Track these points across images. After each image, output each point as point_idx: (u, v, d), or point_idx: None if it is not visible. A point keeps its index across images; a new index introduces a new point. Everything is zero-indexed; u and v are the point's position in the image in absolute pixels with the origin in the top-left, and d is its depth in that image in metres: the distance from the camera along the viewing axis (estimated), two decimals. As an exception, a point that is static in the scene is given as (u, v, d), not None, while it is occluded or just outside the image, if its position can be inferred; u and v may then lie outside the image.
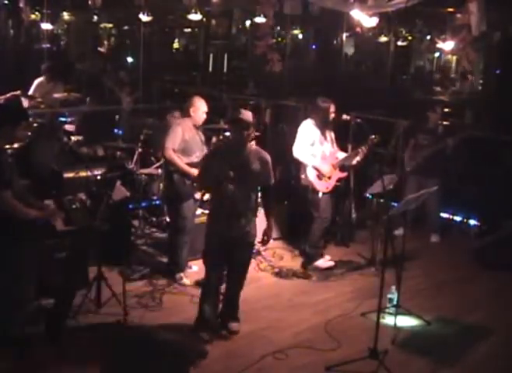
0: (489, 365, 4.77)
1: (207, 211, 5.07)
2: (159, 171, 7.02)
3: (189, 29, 21.96)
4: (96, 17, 18.50)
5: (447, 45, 8.27)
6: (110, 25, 21.41)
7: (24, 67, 11.96)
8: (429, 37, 18.39)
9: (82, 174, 5.71)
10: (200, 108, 5.82)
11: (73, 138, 7.91)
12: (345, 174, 6.56)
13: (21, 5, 12.15)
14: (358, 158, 6.37)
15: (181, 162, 5.68)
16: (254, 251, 6.66)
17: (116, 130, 9.00)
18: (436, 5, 11.12)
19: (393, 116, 9.01)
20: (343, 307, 5.55)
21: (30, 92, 8.64)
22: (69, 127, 8.40)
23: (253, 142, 5.08)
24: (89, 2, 11.64)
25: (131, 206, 6.74)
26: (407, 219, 5.69)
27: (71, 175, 5.80)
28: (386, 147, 7.51)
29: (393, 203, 5.35)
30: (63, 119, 8.64)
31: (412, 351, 4.88)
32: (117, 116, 8.83)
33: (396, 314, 5.18)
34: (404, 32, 18.86)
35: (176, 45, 22.74)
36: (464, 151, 7.86)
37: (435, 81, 19.21)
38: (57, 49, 18.28)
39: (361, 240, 7.30)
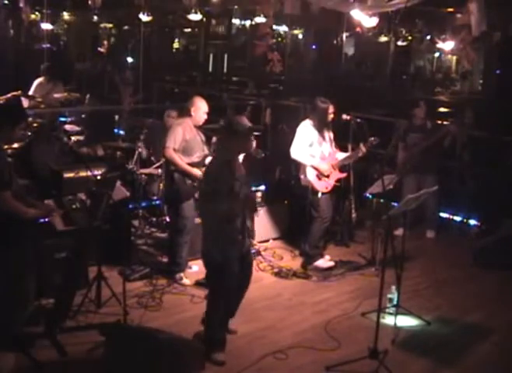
0: (489, 365, 4.77)
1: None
2: (159, 171, 7.02)
3: (189, 29, 21.97)
4: (96, 17, 18.50)
5: (447, 45, 8.27)
6: (110, 25, 21.43)
7: (24, 67, 11.96)
8: (429, 37, 18.38)
9: (82, 174, 5.70)
10: (201, 108, 5.82)
11: (73, 138, 7.90)
12: (344, 174, 6.56)
13: (21, 5, 12.13)
14: (360, 155, 6.38)
15: (182, 161, 5.68)
16: (254, 251, 6.69)
17: (116, 130, 9.01)
18: (436, 5, 11.14)
19: (393, 116, 9.02)
20: (343, 307, 5.55)
21: (30, 92, 8.63)
22: (69, 127, 8.39)
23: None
24: (89, 2, 11.63)
25: (131, 206, 6.74)
26: (407, 219, 5.68)
27: (71, 175, 5.79)
28: (386, 147, 7.50)
29: (393, 203, 5.35)
30: (63, 119, 8.63)
31: (412, 351, 4.88)
32: (116, 116, 8.83)
33: (396, 314, 5.19)
34: (404, 32, 18.86)
35: (176, 45, 22.75)
36: (466, 150, 7.88)
37: (435, 81, 19.23)
38: (57, 49, 18.29)
39: (361, 240, 7.31)
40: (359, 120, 6.51)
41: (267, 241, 7.09)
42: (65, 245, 5.11)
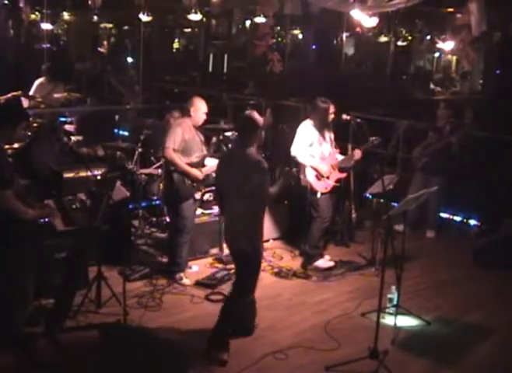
0: (488, 365, 4.77)
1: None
2: (159, 171, 7.02)
3: (189, 29, 21.98)
4: (96, 17, 18.50)
5: (447, 45, 8.29)
6: (110, 25, 21.43)
7: (24, 67, 11.96)
8: (429, 37, 18.41)
9: (82, 174, 5.70)
10: (200, 108, 5.82)
11: (73, 138, 7.90)
12: (344, 175, 6.56)
13: (21, 5, 12.14)
14: (356, 158, 6.39)
15: (181, 161, 5.69)
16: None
17: (116, 130, 9.00)
18: (436, 5, 11.14)
19: (393, 116, 9.02)
20: (343, 307, 5.55)
21: (31, 93, 8.63)
22: (69, 127, 8.39)
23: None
24: (89, 2, 11.65)
25: (131, 206, 6.74)
26: (407, 219, 5.68)
27: (71, 175, 5.79)
28: (386, 147, 7.51)
29: (393, 203, 5.35)
30: (63, 119, 8.63)
31: (412, 351, 4.88)
32: (116, 116, 8.82)
33: (396, 314, 5.19)
34: (404, 32, 18.88)
35: (176, 45, 22.75)
36: (466, 150, 7.89)
37: (435, 81, 19.24)
38: (57, 49, 18.27)
39: (361, 240, 7.30)
40: (359, 120, 6.52)
41: (267, 241, 7.07)
42: (65, 245, 5.11)
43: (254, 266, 4.65)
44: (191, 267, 6.14)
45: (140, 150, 7.26)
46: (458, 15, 7.92)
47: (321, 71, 14.99)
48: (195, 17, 11.86)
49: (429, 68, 22.24)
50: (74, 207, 5.00)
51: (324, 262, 6.48)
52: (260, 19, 9.88)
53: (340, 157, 6.50)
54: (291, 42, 17.02)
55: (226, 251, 6.62)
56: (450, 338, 5.15)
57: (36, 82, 8.92)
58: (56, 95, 8.62)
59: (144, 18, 12.06)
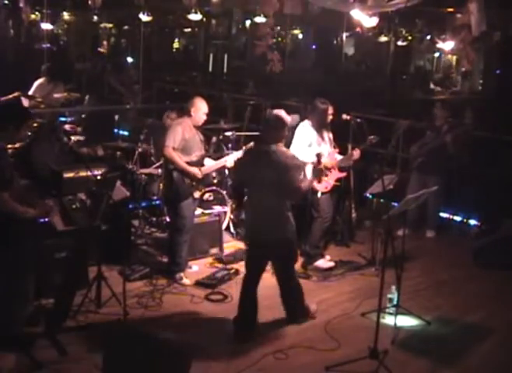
0: (489, 365, 4.76)
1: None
2: (159, 171, 7.02)
3: (189, 29, 21.98)
4: (96, 17, 18.51)
5: (447, 45, 8.28)
6: (110, 25, 21.44)
7: (24, 67, 11.96)
8: (429, 37, 18.41)
9: (82, 174, 5.71)
10: (201, 108, 5.82)
11: (73, 138, 7.90)
12: (344, 174, 6.56)
13: (21, 5, 12.14)
14: (355, 157, 6.40)
15: (181, 160, 5.69)
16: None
17: (116, 130, 9.00)
18: (436, 5, 11.13)
19: (393, 116, 9.02)
20: (343, 307, 5.55)
21: (30, 93, 8.63)
22: (69, 127, 8.39)
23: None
24: (89, 2, 11.64)
25: (131, 206, 6.74)
26: (407, 219, 5.68)
27: (71, 175, 5.80)
28: (386, 147, 7.51)
29: (393, 203, 5.35)
30: (63, 119, 8.63)
31: (412, 351, 4.88)
32: (116, 116, 8.83)
33: (396, 314, 5.19)
34: (404, 32, 18.88)
35: (176, 45, 22.76)
36: (465, 150, 7.88)
37: (435, 81, 19.26)
38: (57, 49, 18.28)
39: (361, 240, 7.30)
40: (358, 120, 6.52)
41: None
42: (65, 245, 5.11)
43: (296, 251, 5.16)
44: (191, 267, 6.14)
45: (140, 150, 7.26)
46: (458, 15, 7.91)
47: (321, 71, 15.02)
48: (195, 17, 11.86)
49: (429, 68, 22.26)
50: (74, 207, 5.01)
51: (325, 262, 6.48)
52: (260, 19, 9.88)
53: (339, 157, 6.50)
54: (291, 42, 17.04)
55: (226, 251, 6.65)
56: (450, 338, 5.15)
57: (36, 83, 8.92)
58: (56, 96, 8.62)
59: (144, 18, 12.07)
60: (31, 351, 4.33)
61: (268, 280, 6.07)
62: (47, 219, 4.83)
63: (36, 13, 16.24)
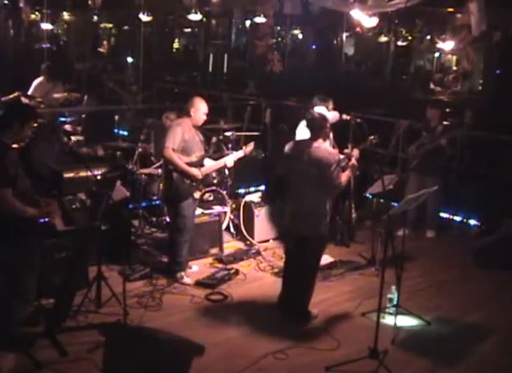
0: (489, 365, 4.76)
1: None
2: (159, 171, 7.01)
3: (189, 29, 21.98)
4: (96, 17, 18.51)
5: (447, 45, 8.29)
6: (110, 25, 21.44)
7: (24, 67, 11.96)
8: (429, 37, 18.40)
9: (82, 174, 5.71)
10: (201, 109, 5.82)
11: (73, 138, 7.91)
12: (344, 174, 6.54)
13: (21, 5, 12.16)
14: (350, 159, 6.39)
15: (181, 161, 5.69)
16: (254, 251, 6.68)
17: (116, 130, 9.00)
18: (436, 5, 11.14)
19: (393, 116, 9.02)
20: (343, 307, 5.55)
21: (30, 92, 8.63)
22: (69, 127, 8.40)
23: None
24: (89, 2, 11.66)
25: (131, 206, 6.74)
26: (407, 219, 5.68)
27: (71, 175, 5.80)
28: (386, 147, 7.51)
29: (393, 203, 5.35)
30: (63, 119, 8.63)
31: (412, 351, 4.88)
32: (116, 117, 8.83)
33: (396, 314, 5.19)
34: (404, 32, 18.89)
35: (176, 45, 22.75)
36: (463, 151, 7.89)
37: (435, 81, 19.23)
38: (57, 49, 18.29)
39: (361, 240, 7.30)
40: (359, 120, 6.51)
41: (267, 241, 7.08)
42: (65, 245, 5.11)
43: (324, 248, 5.34)
44: (191, 267, 6.14)
45: (140, 150, 7.26)
46: (458, 15, 7.93)
47: (321, 71, 15.02)
48: (195, 17, 11.89)
49: (429, 68, 22.24)
50: (74, 207, 5.01)
51: (324, 258, 6.46)
52: (260, 19, 9.89)
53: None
54: (291, 42, 17.03)
55: (226, 251, 6.64)
56: (450, 338, 5.15)
57: (36, 82, 8.92)
58: (56, 95, 8.62)
59: (144, 18, 12.08)
60: (31, 351, 4.33)
61: (268, 280, 6.09)
62: (46, 219, 4.82)
63: (36, 13, 16.25)
